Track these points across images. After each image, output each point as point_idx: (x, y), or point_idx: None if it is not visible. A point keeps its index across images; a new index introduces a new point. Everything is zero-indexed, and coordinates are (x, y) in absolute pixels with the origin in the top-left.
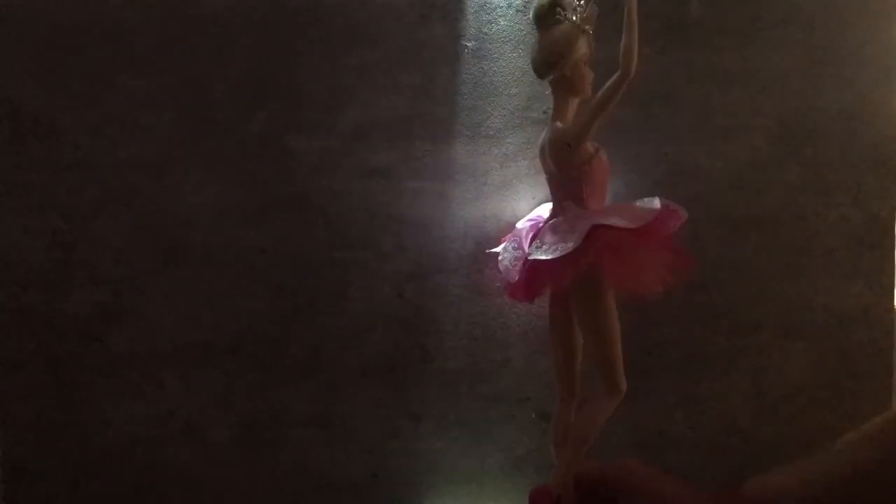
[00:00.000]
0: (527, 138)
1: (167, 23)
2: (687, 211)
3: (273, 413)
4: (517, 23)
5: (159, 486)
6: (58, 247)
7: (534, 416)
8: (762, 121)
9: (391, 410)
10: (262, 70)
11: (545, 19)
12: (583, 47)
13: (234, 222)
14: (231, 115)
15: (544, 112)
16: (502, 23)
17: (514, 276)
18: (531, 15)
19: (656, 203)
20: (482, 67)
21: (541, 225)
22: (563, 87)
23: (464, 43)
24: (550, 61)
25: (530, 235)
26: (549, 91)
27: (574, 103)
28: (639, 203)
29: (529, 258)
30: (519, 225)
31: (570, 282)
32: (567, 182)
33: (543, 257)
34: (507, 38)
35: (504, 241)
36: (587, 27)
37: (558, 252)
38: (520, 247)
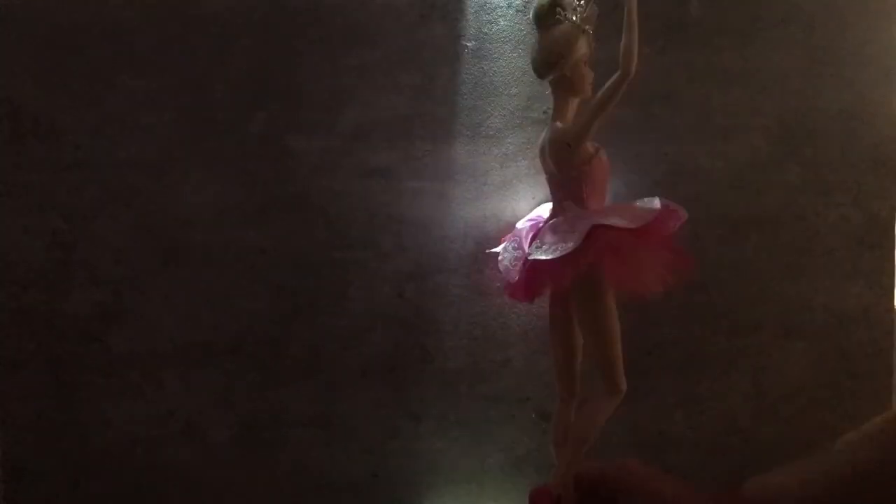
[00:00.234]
0: (527, 138)
1: (167, 23)
2: (687, 211)
3: (273, 413)
4: (517, 23)
5: (159, 486)
6: (58, 247)
7: (534, 416)
8: (762, 121)
9: (391, 410)
10: (262, 70)
11: (545, 19)
12: (583, 47)
13: (234, 222)
14: (231, 115)
15: (544, 112)
16: (502, 23)
17: (514, 276)
18: (531, 15)
19: (656, 203)
20: (482, 67)
21: (541, 225)
22: (563, 87)
23: (464, 43)
24: (550, 61)
25: (530, 235)
26: (549, 91)
27: (574, 103)
28: (639, 203)
29: (529, 258)
30: (519, 225)
31: (570, 282)
32: (567, 182)
33: (543, 257)
34: (507, 38)
35: (504, 241)
36: (587, 27)
37: (558, 252)
38: (520, 247)
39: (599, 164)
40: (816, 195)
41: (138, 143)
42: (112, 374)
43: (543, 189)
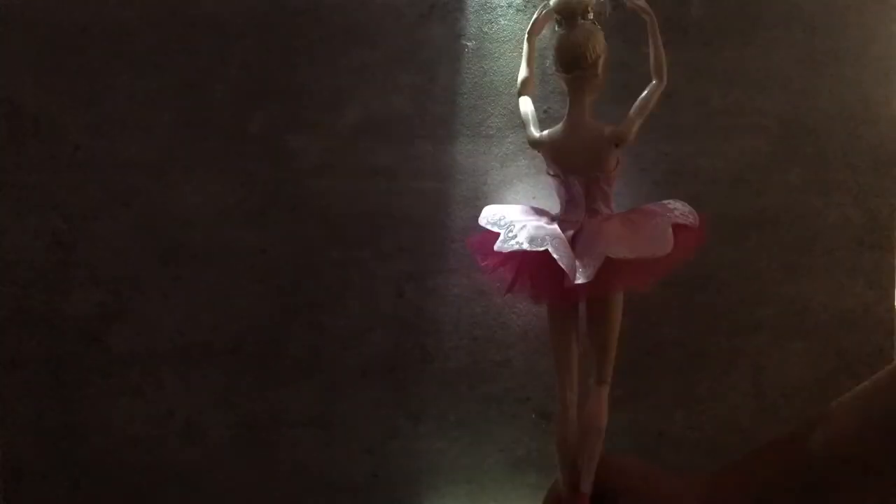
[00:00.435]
0: (527, 138)
1: (167, 23)
2: None
3: (273, 413)
4: (517, 22)
5: (159, 486)
6: (58, 247)
7: (534, 416)
8: (762, 121)
9: (391, 410)
10: (262, 70)
11: (577, 15)
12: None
13: (234, 222)
14: (231, 115)
15: (545, 112)
16: (502, 22)
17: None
18: (560, 4)
19: (675, 204)
20: (482, 67)
21: (576, 226)
22: (587, 86)
23: (464, 42)
24: (586, 56)
25: (571, 233)
26: (551, 91)
27: (589, 103)
28: (651, 205)
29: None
30: (514, 218)
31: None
32: (598, 183)
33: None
34: (508, 38)
35: (489, 226)
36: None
37: (662, 247)
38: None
39: (619, 168)
40: (816, 195)
41: (138, 143)
42: (112, 374)
43: (544, 189)
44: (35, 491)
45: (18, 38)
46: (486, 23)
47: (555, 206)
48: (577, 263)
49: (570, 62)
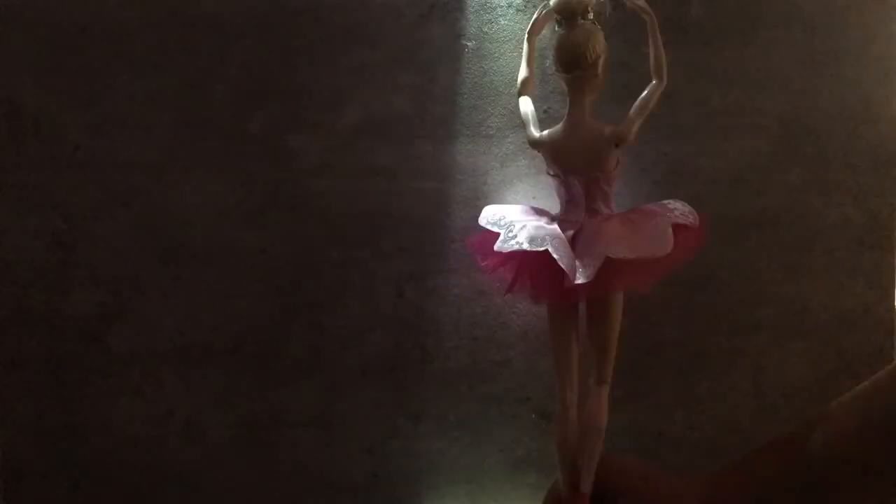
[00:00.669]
0: (527, 138)
1: (167, 23)
2: None
3: (273, 413)
4: (517, 22)
5: (159, 486)
6: (58, 247)
7: (534, 416)
8: (762, 121)
9: (391, 410)
10: (262, 70)
11: (579, 15)
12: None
13: (234, 222)
14: (231, 115)
15: (545, 112)
16: (502, 22)
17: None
18: (561, 4)
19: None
20: (482, 67)
21: (576, 226)
22: (587, 86)
23: (464, 42)
24: (588, 56)
25: (570, 233)
26: (551, 91)
27: (589, 103)
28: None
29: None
30: (514, 217)
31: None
32: (598, 183)
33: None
34: (508, 38)
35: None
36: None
37: (662, 247)
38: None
39: (618, 168)
40: (816, 195)
41: (138, 143)
42: (112, 374)
43: (544, 189)
44: (35, 491)
45: (18, 38)
46: (486, 23)
47: (555, 206)
48: (578, 263)
49: (570, 62)
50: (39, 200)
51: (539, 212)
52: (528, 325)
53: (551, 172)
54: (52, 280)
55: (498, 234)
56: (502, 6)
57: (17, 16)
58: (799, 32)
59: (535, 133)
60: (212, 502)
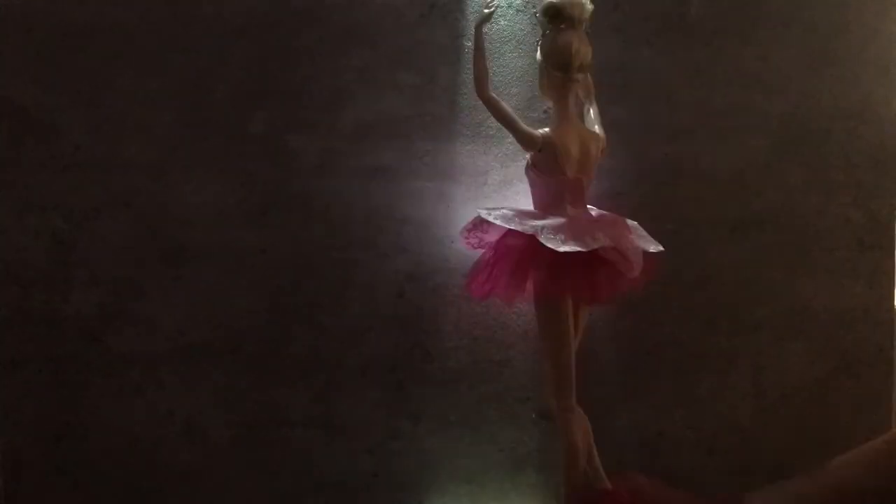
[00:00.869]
0: (522, 137)
1: (167, 23)
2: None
3: (273, 413)
4: (517, 23)
5: (159, 486)
6: (58, 247)
7: (534, 416)
8: (762, 121)
9: (391, 410)
10: (262, 70)
11: (581, 22)
12: None
13: (234, 222)
14: (231, 115)
15: (545, 112)
16: (502, 23)
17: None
18: (552, 11)
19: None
20: None
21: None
22: (580, 87)
23: (464, 42)
24: (581, 63)
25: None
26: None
27: (579, 104)
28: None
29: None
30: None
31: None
32: (586, 186)
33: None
34: (508, 38)
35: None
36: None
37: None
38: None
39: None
40: (816, 195)
41: (138, 143)
42: (112, 374)
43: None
44: (35, 490)
45: (18, 38)
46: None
47: (537, 207)
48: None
49: (568, 63)
50: (39, 200)
51: (534, 214)
52: (528, 325)
53: (546, 172)
54: (52, 280)
55: (496, 227)
56: (502, 6)
57: (17, 16)
58: (799, 32)
59: (535, 132)
60: (212, 502)
